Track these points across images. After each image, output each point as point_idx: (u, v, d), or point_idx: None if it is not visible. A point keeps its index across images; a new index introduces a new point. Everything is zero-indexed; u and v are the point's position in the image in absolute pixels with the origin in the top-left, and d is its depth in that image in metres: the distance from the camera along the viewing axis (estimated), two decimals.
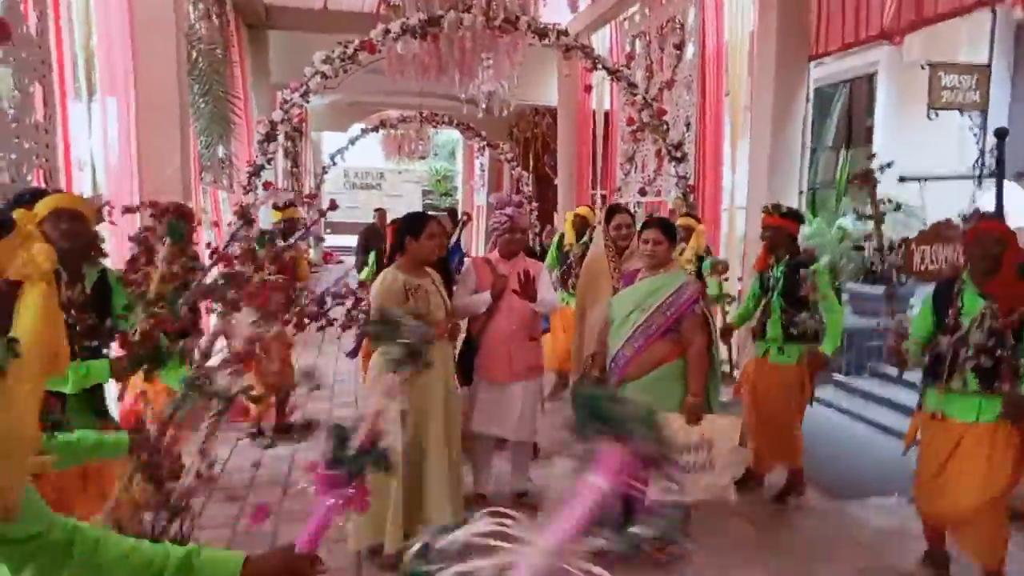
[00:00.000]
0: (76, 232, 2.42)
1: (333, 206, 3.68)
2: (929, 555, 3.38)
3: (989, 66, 6.51)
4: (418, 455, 3.31)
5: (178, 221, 2.56)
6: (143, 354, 2.33)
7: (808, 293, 3.85)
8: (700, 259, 4.94)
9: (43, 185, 3.42)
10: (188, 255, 2.63)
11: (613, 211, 4.36)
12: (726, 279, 4.43)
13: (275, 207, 5.50)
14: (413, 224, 3.45)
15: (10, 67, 2.92)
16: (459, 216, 7.84)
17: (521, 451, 4.08)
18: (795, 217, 4.14)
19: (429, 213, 3.77)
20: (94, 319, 2.53)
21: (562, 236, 6.49)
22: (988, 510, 2.99)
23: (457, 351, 3.87)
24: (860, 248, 3.63)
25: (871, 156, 3.38)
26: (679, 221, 4.98)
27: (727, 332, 4.45)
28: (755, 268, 4.30)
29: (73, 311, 2.43)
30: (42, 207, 2.38)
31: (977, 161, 5.58)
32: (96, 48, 4.81)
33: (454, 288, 3.94)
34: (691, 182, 6.40)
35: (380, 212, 10.45)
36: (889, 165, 3.34)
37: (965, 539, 3.16)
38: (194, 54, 6.37)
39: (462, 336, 3.93)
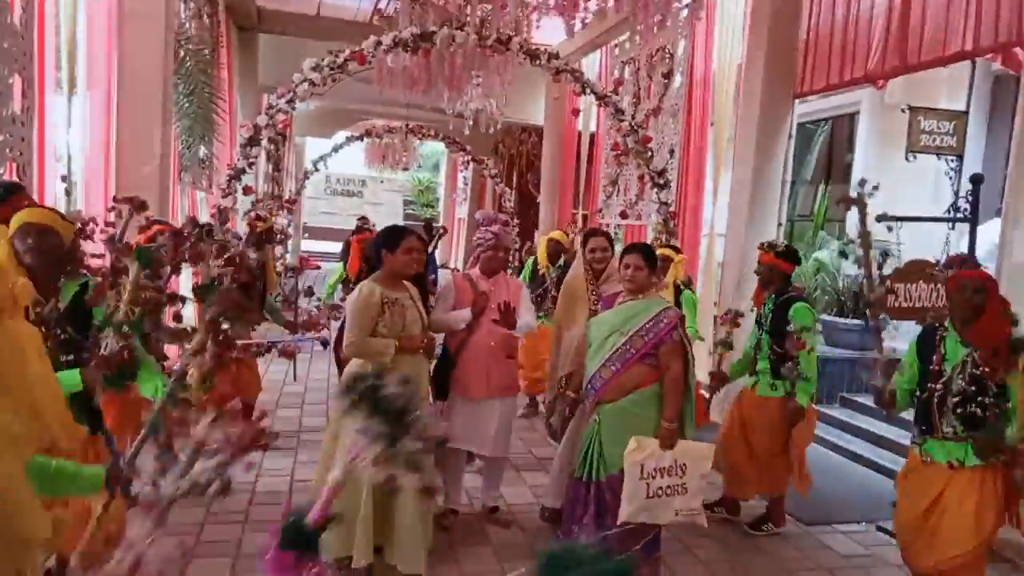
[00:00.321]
0: (45, 247, 2.37)
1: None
2: None
3: (967, 113, 6.67)
4: None
5: (146, 248, 2.52)
6: (115, 368, 2.29)
7: (792, 348, 3.85)
8: (678, 288, 4.95)
9: (15, 179, 3.34)
10: (155, 283, 2.57)
11: (589, 235, 4.39)
12: (737, 327, 4.44)
13: (258, 216, 5.46)
14: (390, 237, 3.41)
15: None
16: (435, 229, 7.79)
17: (494, 467, 4.09)
18: (789, 256, 4.15)
19: (406, 226, 3.73)
20: (70, 333, 2.47)
21: (535, 259, 6.53)
22: (974, 556, 2.97)
23: (432, 366, 3.84)
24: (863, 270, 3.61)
25: (862, 182, 3.39)
26: (658, 252, 4.99)
27: (719, 379, 4.42)
28: (753, 303, 4.33)
29: (44, 327, 2.37)
30: (14, 221, 2.35)
31: (952, 204, 5.68)
32: (80, 40, 4.74)
33: (431, 302, 3.92)
34: (672, 208, 6.44)
35: (362, 219, 10.41)
36: (876, 188, 3.36)
37: None
38: (181, 53, 6.30)
39: (437, 351, 3.90)
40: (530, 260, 6.82)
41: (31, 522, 0.99)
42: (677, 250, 5.33)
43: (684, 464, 3.32)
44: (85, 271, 2.65)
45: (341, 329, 5.59)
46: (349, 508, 3.14)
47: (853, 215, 3.49)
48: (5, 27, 2.89)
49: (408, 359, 3.35)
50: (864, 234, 3.39)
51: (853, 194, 3.41)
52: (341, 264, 6.05)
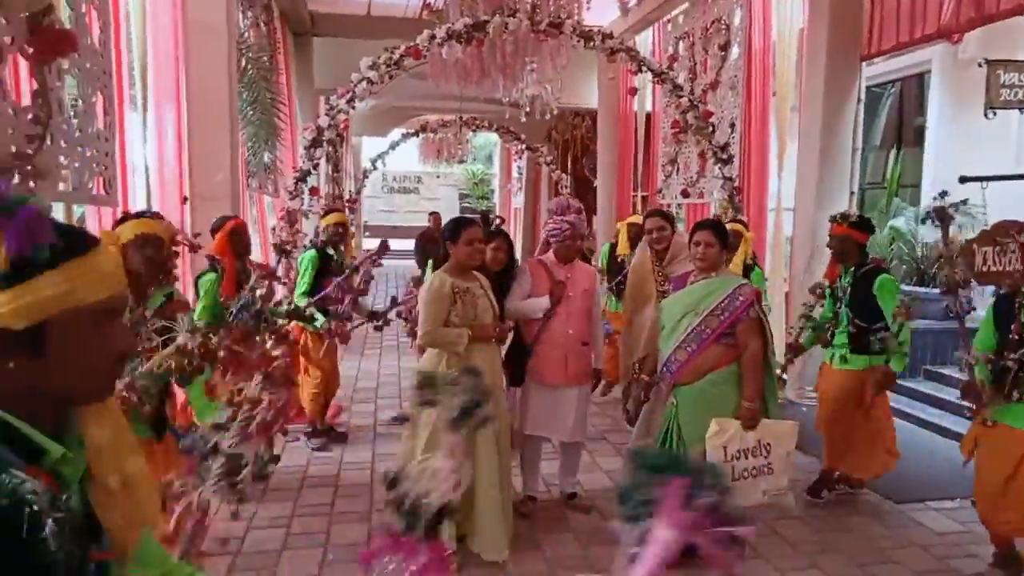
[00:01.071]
0: (157, 259, 2.52)
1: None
2: (999, 557, 3.30)
3: None
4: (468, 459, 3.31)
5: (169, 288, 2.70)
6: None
7: (903, 317, 3.73)
8: (748, 267, 4.85)
9: (102, 192, 3.51)
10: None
11: (647, 216, 4.35)
12: (823, 305, 4.36)
13: (331, 209, 5.67)
14: (454, 230, 3.49)
15: (75, 77, 2.98)
16: (491, 219, 7.86)
17: (571, 453, 4.10)
18: (863, 226, 4.04)
19: (470, 217, 3.80)
20: (154, 338, 2.59)
21: (613, 246, 6.51)
22: None
23: (504, 352, 3.87)
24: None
25: (943, 193, 3.29)
26: (727, 227, 4.90)
27: (795, 350, 4.35)
28: (825, 278, 4.22)
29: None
30: (127, 231, 2.47)
31: None
32: (151, 57, 4.93)
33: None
34: (736, 184, 6.29)
35: (435, 216, 10.57)
36: (964, 202, 3.27)
37: None
38: (243, 62, 6.48)
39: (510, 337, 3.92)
40: (606, 247, 6.79)
41: (151, 513, 1.09)
42: (746, 226, 5.22)
43: (768, 444, 3.26)
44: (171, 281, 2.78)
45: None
46: None
47: (931, 179, 3.39)
48: (86, 48, 3.02)
49: (480, 348, 3.40)
50: (948, 248, 3.30)
51: (935, 206, 3.33)
52: (424, 261, 6.14)
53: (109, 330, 0.97)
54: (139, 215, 2.75)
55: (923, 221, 3.55)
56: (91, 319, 0.94)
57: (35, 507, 0.75)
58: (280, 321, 3.75)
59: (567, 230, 3.84)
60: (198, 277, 3.93)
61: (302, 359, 5.09)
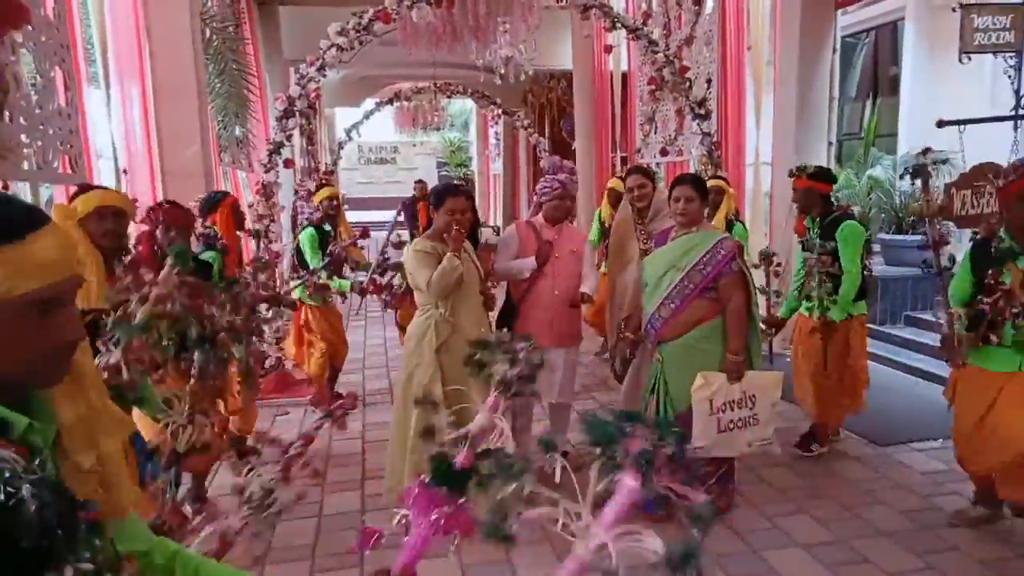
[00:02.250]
0: (121, 230, 2.42)
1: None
2: (981, 495, 3.37)
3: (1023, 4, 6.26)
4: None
5: (184, 245, 2.53)
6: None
7: (820, 266, 3.82)
8: (730, 222, 4.85)
9: (68, 171, 3.42)
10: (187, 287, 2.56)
11: (628, 174, 4.33)
12: (777, 271, 4.33)
13: (323, 182, 5.71)
14: (437, 197, 3.51)
15: (31, 52, 2.88)
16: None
17: (560, 413, 4.11)
18: (823, 177, 4.02)
19: (455, 185, 3.79)
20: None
21: (600, 214, 6.55)
22: None
23: (493, 316, 3.88)
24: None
25: (926, 150, 3.28)
26: (709, 183, 4.89)
27: (774, 324, 4.36)
28: (796, 232, 4.22)
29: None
30: (85, 203, 2.36)
31: (1018, 103, 5.39)
32: (110, 32, 4.77)
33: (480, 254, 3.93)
34: (715, 139, 6.27)
35: (421, 184, 10.56)
36: (945, 162, 3.25)
37: (1007, 485, 3.13)
38: (207, 33, 6.30)
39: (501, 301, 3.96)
40: (596, 215, 6.80)
41: (128, 495, 1.06)
42: (727, 182, 5.21)
43: (753, 395, 3.30)
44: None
45: (403, 293, 5.69)
46: (398, 446, 3.36)
47: (907, 128, 3.39)
48: (40, 20, 2.91)
49: (467, 310, 3.40)
50: (926, 203, 3.30)
51: (916, 163, 3.33)
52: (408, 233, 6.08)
53: (54, 320, 0.88)
54: (98, 188, 2.64)
55: (902, 177, 3.56)
56: (26, 310, 0.85)
57: (7, 473, 0.73)
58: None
59: (557, 188, 3.82)
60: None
61: (305, 333, 5.11)
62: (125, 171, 4.25)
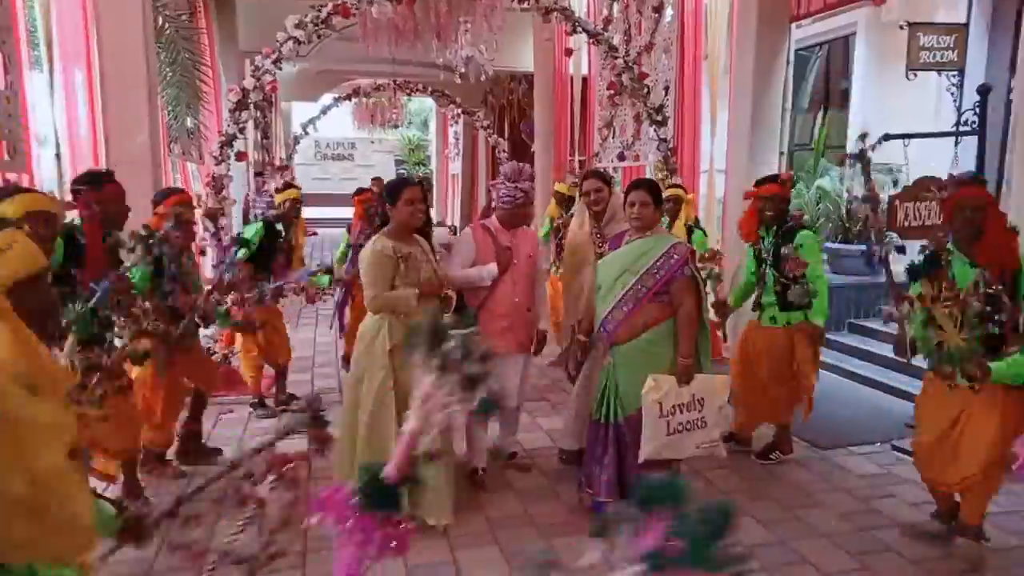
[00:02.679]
0: (50, 236, 2.34)
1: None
2: (940, 512, 3.40)
3: (967, 25, 6.51)
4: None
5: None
6: None
7: (794, 270, 3.85)
8: (690, 229, 4.91)
9: (5, 156, 3.28)
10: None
11: (584, 178, 4.34)
12: (720, 259, 4.40)
13: (277, 189, 5.56)
14: (392, 191, 3.43)
15: None
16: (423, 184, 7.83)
17: (511, 415, 4.08)
18: (792, 184, 4.17)
19: (407, 177, 3.75)
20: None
21: (551, 219, 6.61)
22: (994, 469, 3.00)
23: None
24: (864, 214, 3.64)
25: (863, 136, 3.34)
26: (667, 192, 4.95)
27: (721, 308, 4.42)
28: (743, 239, 4.26)
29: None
30: (18, 205, 2.27)
31: (959, 119, 5.60)
32: (55, 15, 4.59)
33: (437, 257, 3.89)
34: (672, 146, 6.35)
35: (377, 181, 10.39)
36: (886, 137, 3.33)
37: (969, 504, 3.16)
38: (160, 20, 6.13)
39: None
40: (546, 219, 6.83)
41: (83, 507, 0.95)
42: (685, 189, 5.28)
43: (702, 398, 3.33)
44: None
45: (344, 295, 5.62)
46: (347, 448, 3.33)
47: (854, 138, 3.47)
48: None
49: (426, 312, 3.37)
50: (870, 189, 3.37)
51: (855, 149, 3.39)
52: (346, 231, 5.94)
53: None
54: (24, 190, 2.52)
55: (842, 163, 3.64)
56: None
57: None
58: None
59: (520, 198, 3.74)
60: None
61: (237, 334, 4.99)
62: (58, 155, 4.05)
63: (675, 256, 3.32)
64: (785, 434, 4.28)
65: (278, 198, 5.46)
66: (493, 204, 3.91)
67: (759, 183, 4.16)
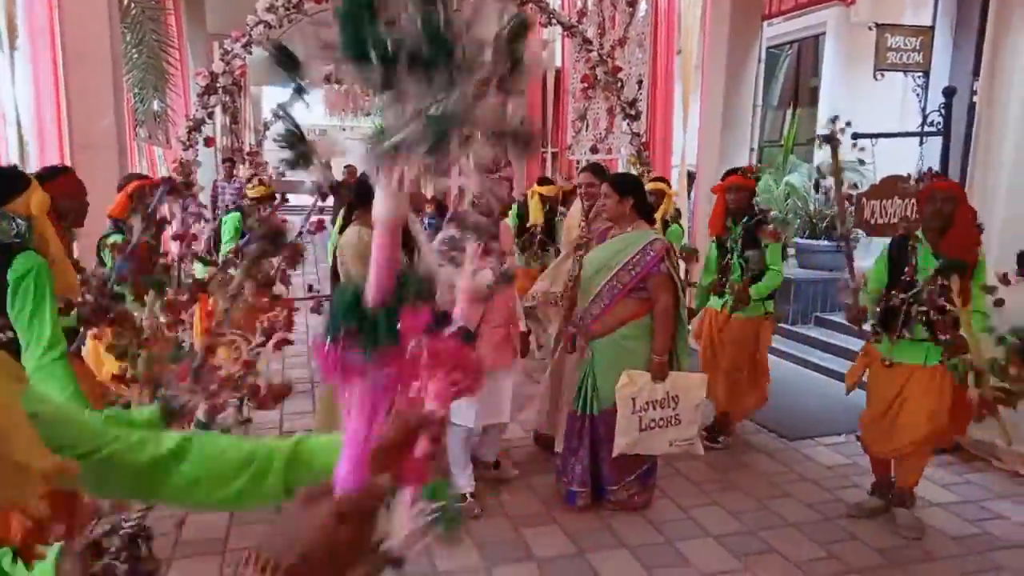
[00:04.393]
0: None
1: None
2: (877, 485, 3.59)
3: (933, 27, 6.65)
4: None
5: None
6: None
7: (769, 237, 3.95)
8: (665, 223, 4.95)
9: None
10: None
11: (581, 171, 4.37)
12: (697, 262, 4.45)
13: (260, 182, 5.46)
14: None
15: None
16: None
17: (499, 430, 3.77)
18: (755, 177, 4.25)
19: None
20: None
21: (521, 206, 6.54)
22: (926, 442, 3.27)
23: None
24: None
25: (834, 119, 3.39)
26: (649, 186, 4.98)
27: (690, 313, 4.49)
28: (711, 233, 4.32)
29: None
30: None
31: (925, 119, 5.73)
32: None
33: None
34: (644, 140, 6.38)
35: (351, 169, 10.26)
36: (848, 124, 3.40)
37: (900, 469, 3.43)
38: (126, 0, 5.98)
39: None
40: (514, 209, 6.79)
41: (26, 447, 0.88)
42: (667, 183, 5.32)
43: (676, 396, 3.35)
44: None
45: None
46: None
47: (824, 148, 3.55)
48: None
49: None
50: (836, 171, 3.43)
51: (825, 131, 3.44)
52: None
53: None
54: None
55: (816, 144, 3.72)
56: None
57: None
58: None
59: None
60: (101, 239, 3.62)
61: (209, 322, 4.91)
62: (20, 138, 3.89)
63: (651, 253, 3.33)
64: (728, 418, 4.40)
65: (250, 193, 5.35)
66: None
67: (724, 175, 4.25)
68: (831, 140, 3.38)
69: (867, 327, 3.36)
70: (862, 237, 3.67)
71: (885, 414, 3.33)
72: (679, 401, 3.34)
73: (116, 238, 3.46)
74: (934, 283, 3.04)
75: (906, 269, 3.17)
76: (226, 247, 4.75)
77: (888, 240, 3.41)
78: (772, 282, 4.07)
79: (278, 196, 5.23)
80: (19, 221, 2.12)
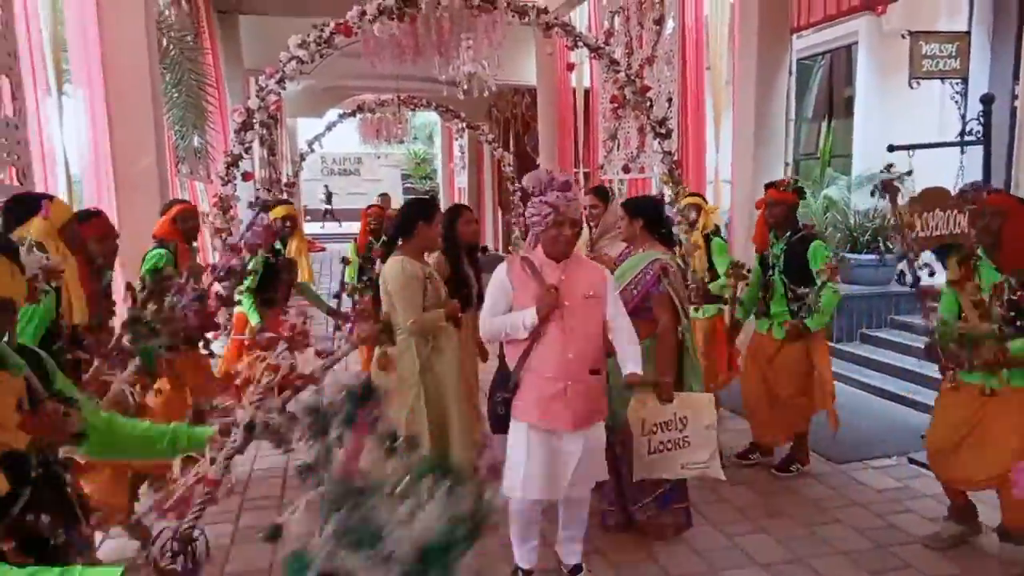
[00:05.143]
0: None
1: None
2: (954, 510, 3.39)
3: (969, 33, 6.50)
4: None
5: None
6: None
7: (830, 275, 3.81)
8: (707, 237, 4.89)
9: (15, 183, 3.29)
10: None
11: (586, 193, 4.36)
12: (747, 284, 4.33)
13: (269, 206, 5.53)
14: (425, 208, 3.46)
15: None
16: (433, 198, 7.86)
17: (574, 508, 3.06)
18: (801, 192, 4.14)
19: (462, 204, 3.82)
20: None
21: None
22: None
23: (488, 388, 3.30)
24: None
25: (889, 166, 3.34)
26: (685, 201, 4.94)
27: (734, 330, 4.39)
28: (756, 249, 4.25)
29: None
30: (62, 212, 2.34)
31: (964, 128, 5.58)
32: (65, 39, 4.65)
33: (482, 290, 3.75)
34: (676, 158, 6.35)
35: (385, 197, 10.41)
36: (909, 173, 3.34)
37: (1010, 511, 3.07)
38: (164, 42, 6.18)
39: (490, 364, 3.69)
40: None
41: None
42: (704, 200, 5.24)
43: (684, 417, 3.21)
44: None
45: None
46: None
47: (861, 149, 3.47)
48: None
49: (447, 331, 3.43)
50: (901, 223, 3.35)
51: (881, 180, 3.41)
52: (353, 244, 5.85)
53: None
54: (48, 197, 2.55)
55: (872, 194, 3.61)
56: None
57: None
58: None
59: (548, 214, 2.77)
60: (145, 254, 3.76)
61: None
62: (69, 178, 4.06)
63: (650, 272, 3.31)
64: (802, 444, 4.25)
65: (271, 215, 5.39)
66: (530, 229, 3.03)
67: (765, 188, 4.19)
68: (889, 188, 3.32)
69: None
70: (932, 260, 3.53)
71: (962, 443, 3.10)
72: (687, 422, 3.20)
73: (159, 251, 3.57)
74: (1000, 299, 2.90)
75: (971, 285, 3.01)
76: (249, 281, 4.76)
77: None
78: (831, 304, 3.86)
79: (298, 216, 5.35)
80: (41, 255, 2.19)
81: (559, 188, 2.80)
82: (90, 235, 2.98)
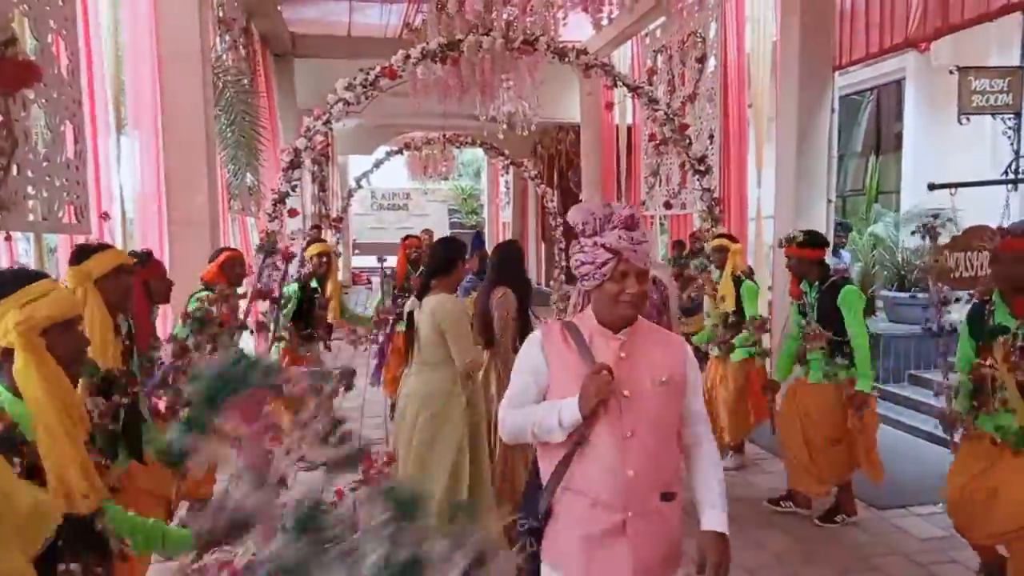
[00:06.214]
0: (131, 287, 2.57)
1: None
2: (986, 568, 3.26)
3: (1021, 68, 6.36)
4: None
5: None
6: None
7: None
8: (737, 280, 4.82)
9: (74, 220, 3.50)
10: None
11: None
12: (768, 331, 4.28)
13: (315, 239, 5.73)
14: (463, 247, 3.60)
15: (42, 108, 2.98)
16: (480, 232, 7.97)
17: None
18: (812, 243, 3.97)
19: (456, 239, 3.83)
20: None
21: None
22: None
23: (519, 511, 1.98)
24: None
25: (936, 215, 3.32)
26: (712, 243, 4.91)
27: (772, 388, 4.32)
28: (791, 297, 4.18)
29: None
30: (104, 262, 2.44)
31: (1011, 165, 5.43)
32: (125, 82, 4.95)
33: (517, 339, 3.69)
34: (716, 195, 6.33)
35: (428, 233, 10.61)
36: (931, 187, 3.30)
37: (1010, 552, 3.01)
38: (220, 84, 6.50)
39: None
40: None
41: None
42: (733, 239, 5.16)
43: None
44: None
45: (385, 340, 5.68)
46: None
47: (910, 186, 3.44)
48: (53, 77, 3.03)
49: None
50: (939, 272, 3.34)
51: (924, 224, 3.44)
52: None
53: None
54: (101, 246, 2.67)
55: (913, 233, 3.57)
56: None
57: None
58: None
59: (606, 263, 1.78)
60: (192, 295, 3.93)
61: None
62: (105, 215, 4.26)
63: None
64: (847, 495, 4.11)
65: (307, 253, 5.54)
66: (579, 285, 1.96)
67: (780, 244, 4.18)
68: (931, 232, 3.28)
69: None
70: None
71: (976, 493, 3.01)
72: None
73: (204, 294, 3.73)
74: (1014, 346, 2.81)
75: (979, 345, 2.94)
76: (285, 318, 4.86)
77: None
78: (864, 353, 3.79)
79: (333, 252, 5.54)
80: None
81: (623, 225, 1.80)
82: (151, 274, 3.18)
